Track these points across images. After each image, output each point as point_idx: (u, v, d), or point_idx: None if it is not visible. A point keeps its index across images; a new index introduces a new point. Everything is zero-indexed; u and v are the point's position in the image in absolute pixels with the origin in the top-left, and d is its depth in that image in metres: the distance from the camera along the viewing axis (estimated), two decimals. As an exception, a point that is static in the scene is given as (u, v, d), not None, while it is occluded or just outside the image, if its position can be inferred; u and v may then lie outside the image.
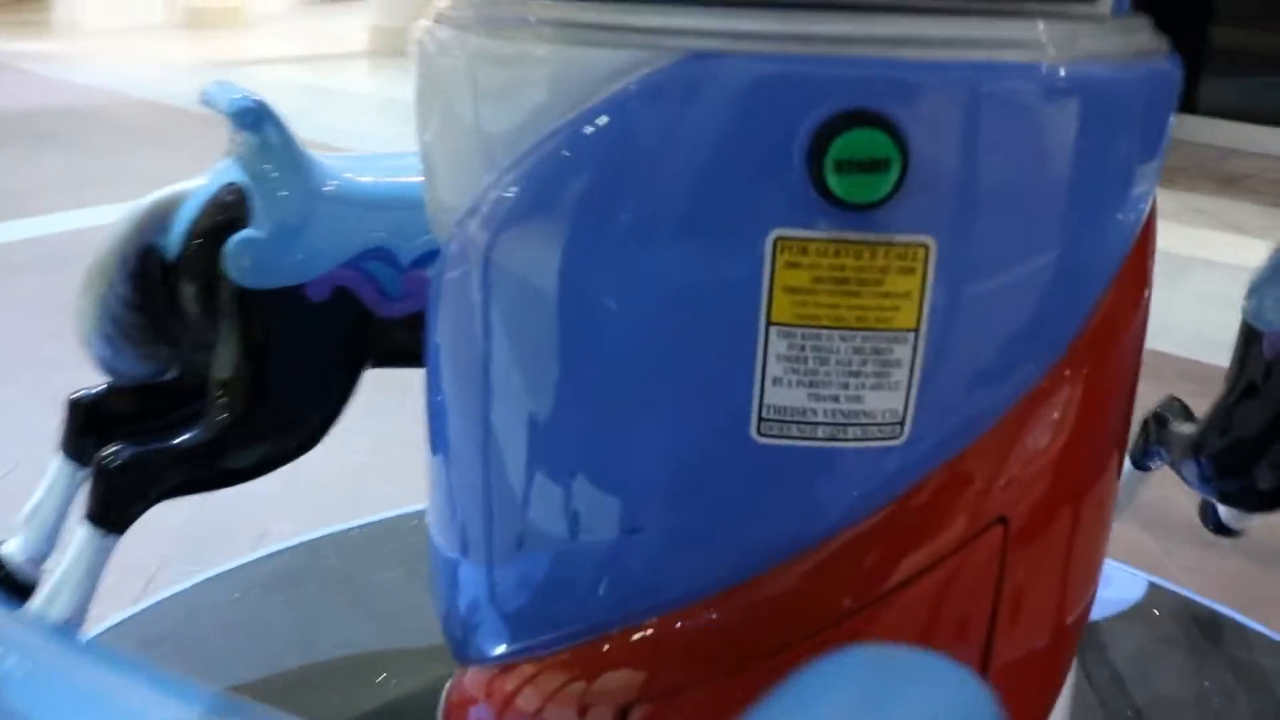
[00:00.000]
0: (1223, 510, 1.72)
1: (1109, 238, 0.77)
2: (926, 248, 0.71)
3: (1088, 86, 0.72)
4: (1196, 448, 1.45)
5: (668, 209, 0.72)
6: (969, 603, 0.81)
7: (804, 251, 0.71)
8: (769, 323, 0.72)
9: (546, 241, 0.76)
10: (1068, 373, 0.79)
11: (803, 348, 0.73)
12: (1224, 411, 1.42)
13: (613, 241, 0.74)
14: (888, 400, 0.74)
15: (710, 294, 0.73)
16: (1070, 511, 0.83)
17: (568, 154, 0.74)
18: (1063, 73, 0.71)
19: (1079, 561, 0.87)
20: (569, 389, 0.81)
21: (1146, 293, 0.84)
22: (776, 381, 0.73)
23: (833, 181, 0.68)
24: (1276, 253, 1.37)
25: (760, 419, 0.74)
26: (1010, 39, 0.70)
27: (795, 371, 0.73)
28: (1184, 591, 1.79)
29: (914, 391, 0.74)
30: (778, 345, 0.73)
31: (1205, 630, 1.69)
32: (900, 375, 0.73)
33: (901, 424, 0.75)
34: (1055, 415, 0.80)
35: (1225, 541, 1.85)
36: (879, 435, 0.75)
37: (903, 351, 0.73)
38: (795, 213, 0.70)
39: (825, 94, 0.68)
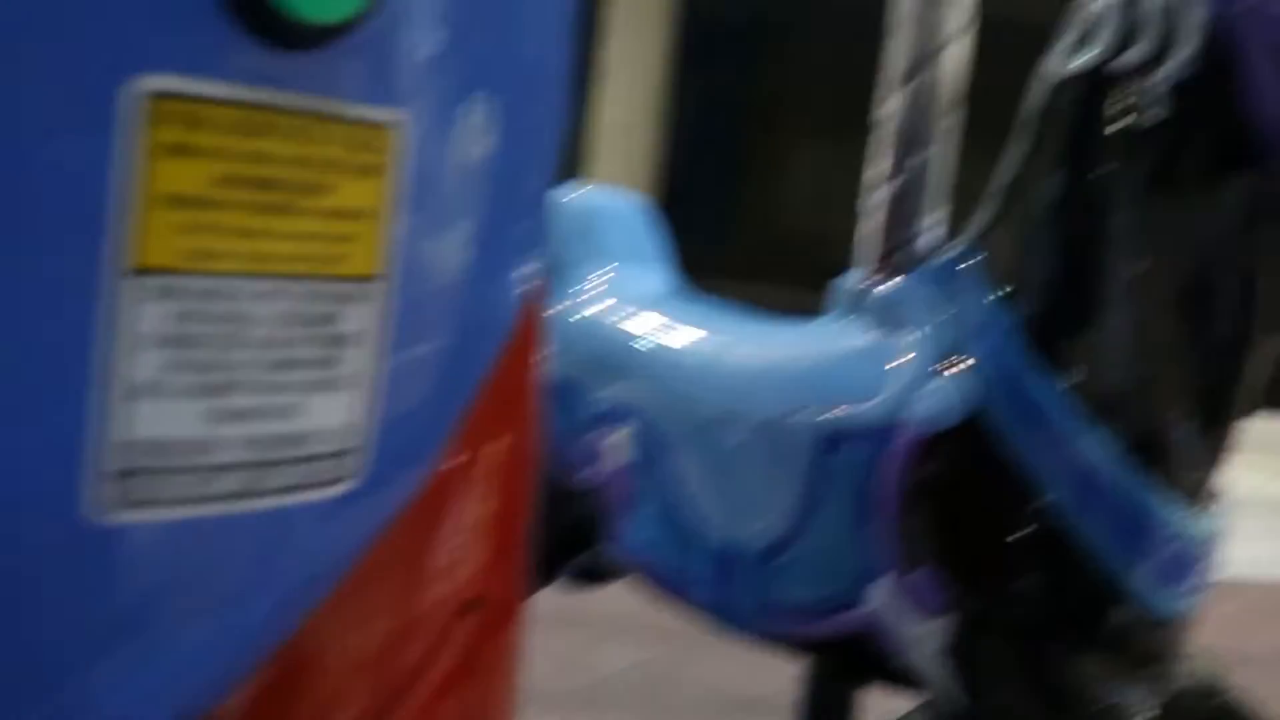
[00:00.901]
0: None
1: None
2: (394, 130, 0.41)
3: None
4: None
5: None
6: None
7: (199, 124, 0.36)
8: (133, 269, 0.36)
9: None
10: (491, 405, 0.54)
11: (196, 315, 0.37)
12: None
13: None
14: (336, 408, 0.41)
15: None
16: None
17: None
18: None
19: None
20: None
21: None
22: (145, 390, 0.36)
23: (274, -26, 0.36)
24: None
25: (106, 473, 0.36)
26: None
27: (183, 366, 0.37)
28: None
29: (373, 392, 0.43)
30: (149, 314, 0.36)
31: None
32: (355, 361, 0.42)
33: (356, 450, 0.43)
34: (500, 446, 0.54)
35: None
36: (325, 477, 0.42)
37: (359, 317, 0.42)
38: (186, 45, 0.36)
39: None
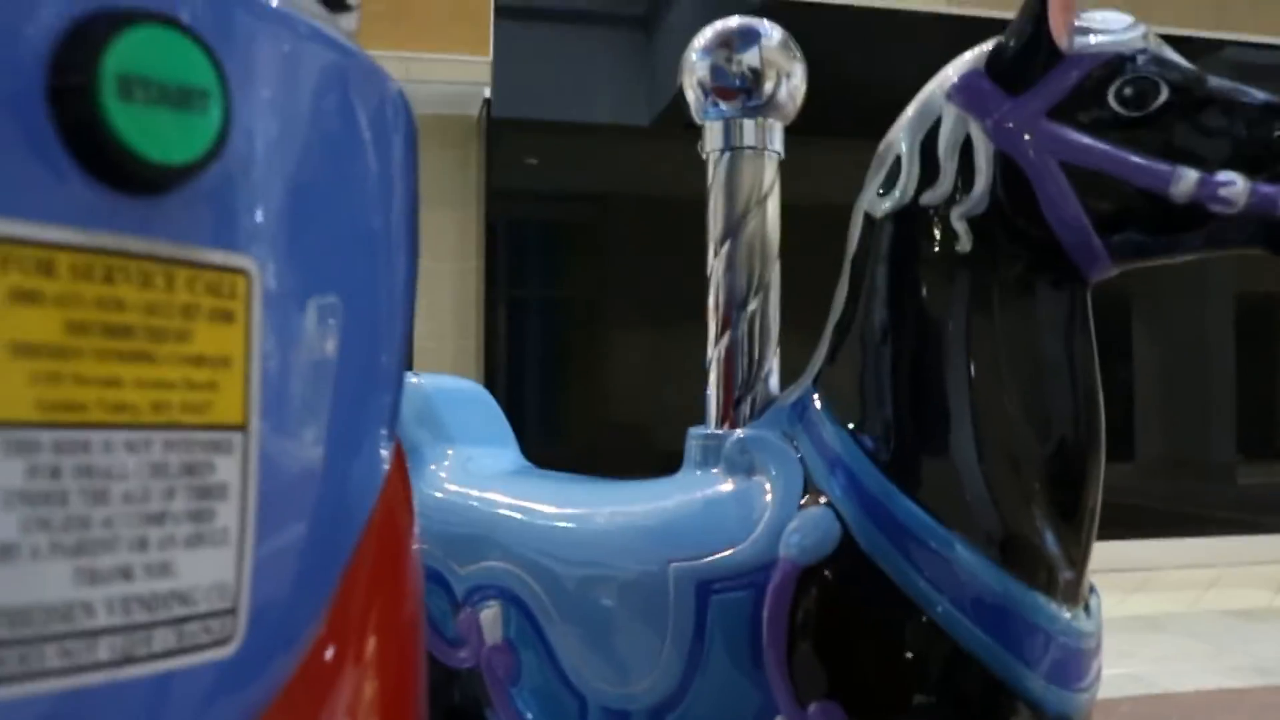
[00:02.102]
0: None
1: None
2: (248, 276, 0.40)
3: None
4: None
5: None
6: None
7: (49, 270, 0.35)
8: (-19, 423, 0.33)
9: None
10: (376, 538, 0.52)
11: (56, 470, 0.35)
12: None
13: None
14: (213, 565, 0.39)
15: None
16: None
17: None
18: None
19: None
20: None
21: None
22: (4, 553, 0.34)
23: (117, 115, 0.35)
24: None
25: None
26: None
27: (44, 525, 0.35)
28: None
29: (249, 547, 0.40)
30: (4, 471, 0.34)
31: None
32: (228, 515, 0.40)
33: (234, 611, 0.40)
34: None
35: None
36: (204, 639, 0.39)
37: (228, 468, 0.40)
38: (29, 190, 0.35)
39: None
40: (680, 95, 1.20)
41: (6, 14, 0.35)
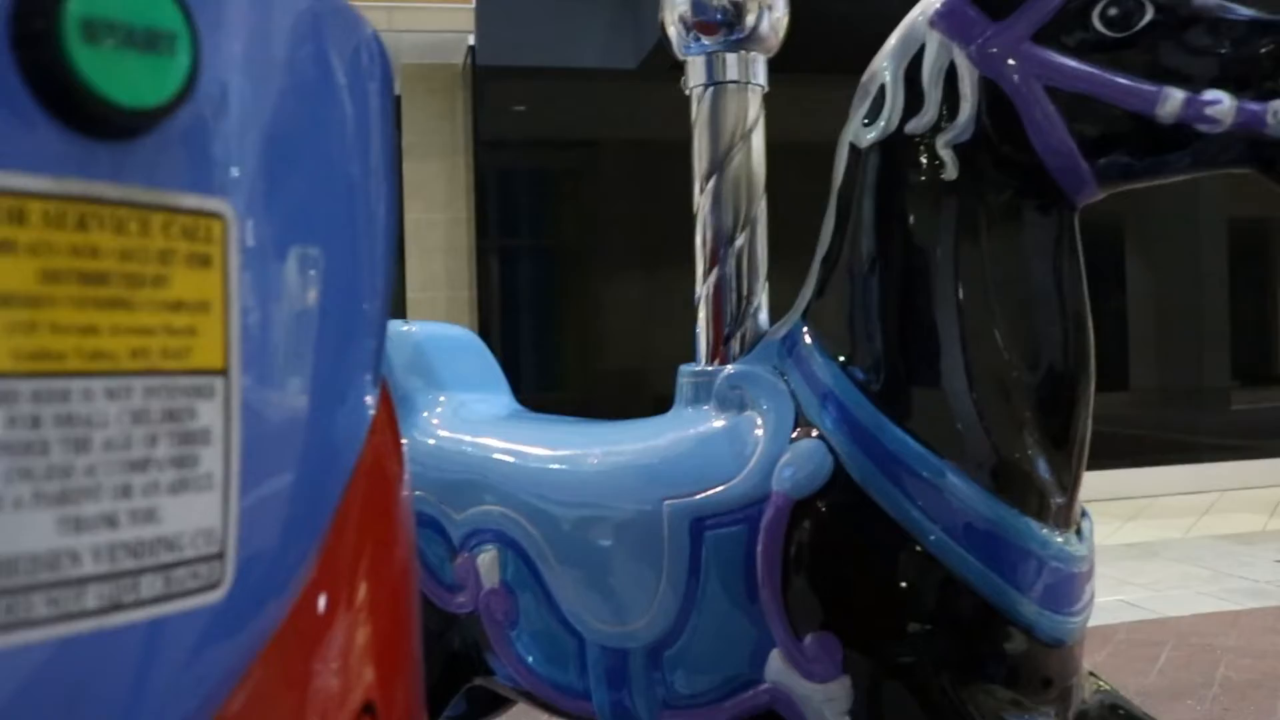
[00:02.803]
0: None
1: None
2: (223, 220, 0.40)
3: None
4: None
5: None
6: None
7: (21, 218, 0.35)
8: (-42, 374, 0.33)
9: None
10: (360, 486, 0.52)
11: (36, 420, 0.35)
12: None
13: None
14: (198, 511, 0.39)
15: None
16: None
17: None
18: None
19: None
20: None
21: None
22: (-14, 503, 0.34)
23: (82, 59, 0.35)
24: None
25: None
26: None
27: (26, 475, 0.35)
28: None
29: (234, 492, 0.40)
30: (-17, 421, 0.34)
31: None
32: (211, 460, 0.40)
33: (221, 556, 0.40)
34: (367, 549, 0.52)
35: None
36: (191, 585, 0.39)
37: (210, 413, 0.40)
38: (2, 135, 0.34)
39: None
40: (666, 36, 1.19)
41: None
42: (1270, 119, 0.88)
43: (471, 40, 5.56)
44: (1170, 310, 6.91)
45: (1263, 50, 0.89)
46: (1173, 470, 5.96)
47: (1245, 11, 0.92)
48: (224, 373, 0.40)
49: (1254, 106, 0.88)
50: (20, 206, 0.35)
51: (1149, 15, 0.92)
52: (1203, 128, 0.89)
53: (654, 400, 1.29)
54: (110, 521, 0.37)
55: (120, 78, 0.35)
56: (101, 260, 0.37)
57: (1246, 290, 7.30)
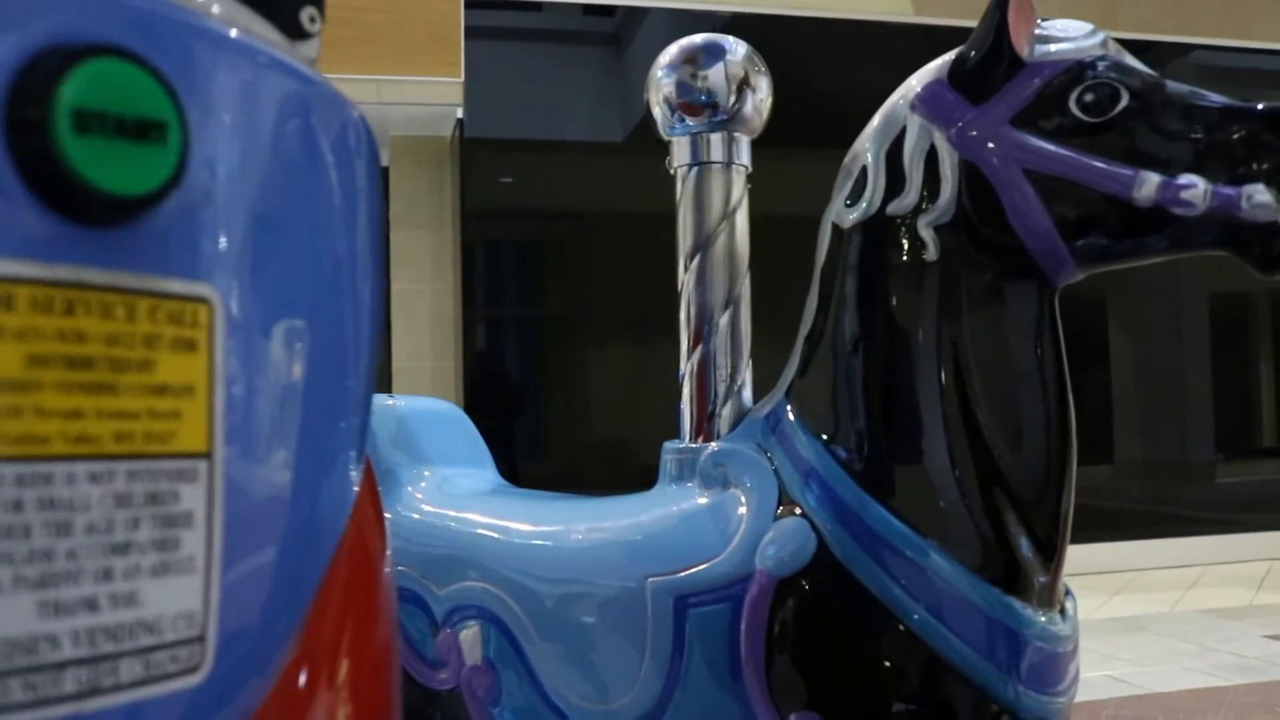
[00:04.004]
0: None
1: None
2: (210, 305, 0.41)
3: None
4: None
5: None
6: None
7: (9, 304, 0.35)
8: (-57, 458, 0.34)
9: None
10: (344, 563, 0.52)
11: (18, 504, 0.35)
12: None
13: None
14: (179, 594, 0.39)
15: None
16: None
17: None
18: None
19: None
20: None
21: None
22: (-34, 588, 0.34)
23: (72, 148, 0.35)
24: None
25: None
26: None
27: (6, 558, 0.35)
28: None
29: (215, 575, 0.40)
30: (-34, 505, 0.34)
31: None
32: (194, 543, 0.40)
33: (202, 639, 0.40)
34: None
35: None
36: (171, 668, 0.39)
37: (193, 496, 0.40)
38: (-12, 224, 0.35)
39: (50, 5, 0.36)
40: (651, 116, 1.21)
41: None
42: (1244, 203, 0.89)
43: (460, 113, 5.61)
44: (1154, 383, 6.94)
45: (1235, 136, 0.91)
46: (1159, 544, 5.95)
47: (1217, 98, 0.94)
48: (208, 455, 0.40)
49: (1228, 190, 0.90)
50: (9, 292, 0.35)
51: (1124, 101, 0.94)
52: (1178, 211, 0.91)
53: (641, 471, 1.29)
54: (91, 605, 0.37)
55: (110, 166, 0.36)
56: (88, 345, 0.37)
57: (1229, 363, 7.34)
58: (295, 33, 0.57)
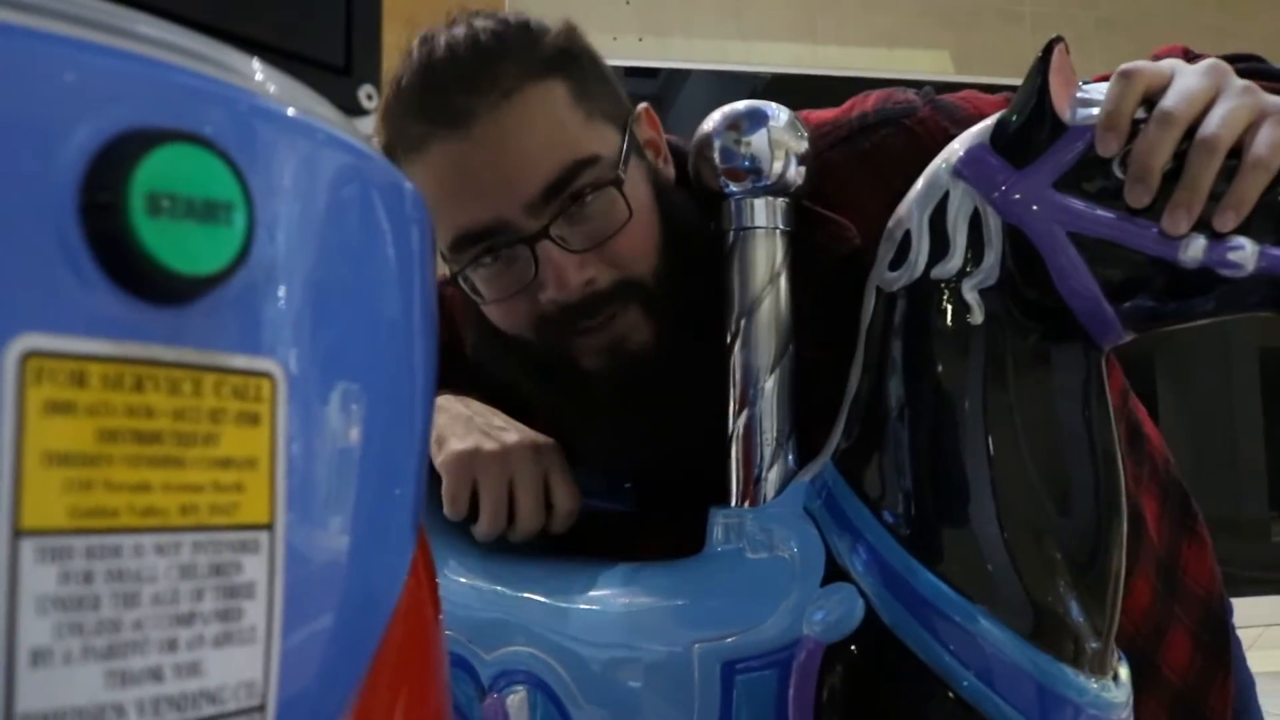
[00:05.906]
0: None
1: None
2: (272, 379, 0.42)
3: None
4: None
5: None
6: None
7: (81, 381, 0.36)
8: (17, 531, 0.35)
9: None
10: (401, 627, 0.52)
11: (89, 575, 0.36)
12: None
13: None
14: (241, 663, 0.40)
15: None
16: None
17: None
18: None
19: None
20: None
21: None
22: (38, 658, 0.35)
23: (145, 230, 0.37)
24: None
25: (0, 754, 0.34)
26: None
27: (76, 629, 0.36)
28: None
29: (276, 643, 0.41)
30: (38, 577, 0.35)
31: None
32: (255, 613, 0.41)
33: (262, 708, 0.41)
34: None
35: None
36: (232, 737, 0.40)
37: (256, 568, 0.41)
38: (62, 304, 0.36)
39: (124, 93, 0.38)
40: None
41: (42, 135, 0.36)
42: None
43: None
44: (1205, 441, 6.84)
45: None
46: (1213, 605, 5.82)
47: None
48: (269, 526, 0.41)
49: (1276, 252, 0.89)
50: (81, 369, 0.36)
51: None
52: (1226, 272, 0.90)
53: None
54: (156, 675, 0.37)
55: (180, 247, 0.38)
56: (156, 420, 0.38)
57: (1281, 420, 7.23)
58: (353, 109, 0.59)
